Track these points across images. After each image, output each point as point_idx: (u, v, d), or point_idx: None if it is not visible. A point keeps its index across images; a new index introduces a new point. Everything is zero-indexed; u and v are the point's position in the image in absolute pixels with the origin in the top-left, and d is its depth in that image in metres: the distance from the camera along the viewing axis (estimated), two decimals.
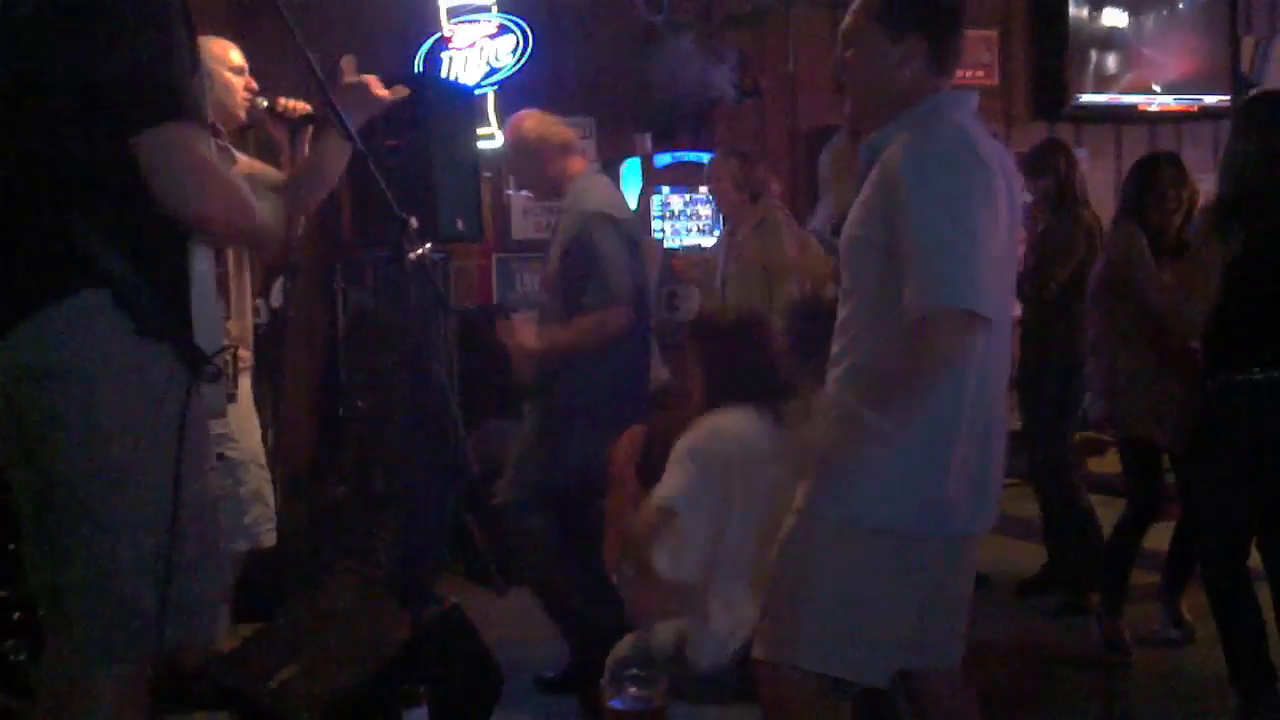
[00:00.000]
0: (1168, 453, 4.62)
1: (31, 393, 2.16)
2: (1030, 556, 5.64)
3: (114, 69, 2.07)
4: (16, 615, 3.75)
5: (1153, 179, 4.56)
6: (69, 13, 2.09)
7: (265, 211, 2.40)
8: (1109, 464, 7.24)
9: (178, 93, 2.11)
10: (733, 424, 3.19)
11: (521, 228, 7.20)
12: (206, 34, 3.68)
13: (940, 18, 2.53)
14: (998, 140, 2.69)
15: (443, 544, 5.25)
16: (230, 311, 3.60)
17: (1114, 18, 8.34)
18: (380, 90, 3.23)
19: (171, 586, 2.16)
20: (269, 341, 5.03)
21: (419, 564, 3.24)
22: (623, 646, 3.33)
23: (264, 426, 3.93)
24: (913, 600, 2.49)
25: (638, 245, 4.19)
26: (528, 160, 4.27)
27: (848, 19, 2.61)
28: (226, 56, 3.72)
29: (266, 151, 3.81)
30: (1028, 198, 5.08)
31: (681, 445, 3.20)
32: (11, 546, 3.77)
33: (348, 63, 3.36)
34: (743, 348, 3.31)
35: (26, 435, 2.20)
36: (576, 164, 4.23)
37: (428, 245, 3.03)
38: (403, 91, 3.30)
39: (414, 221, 2.99)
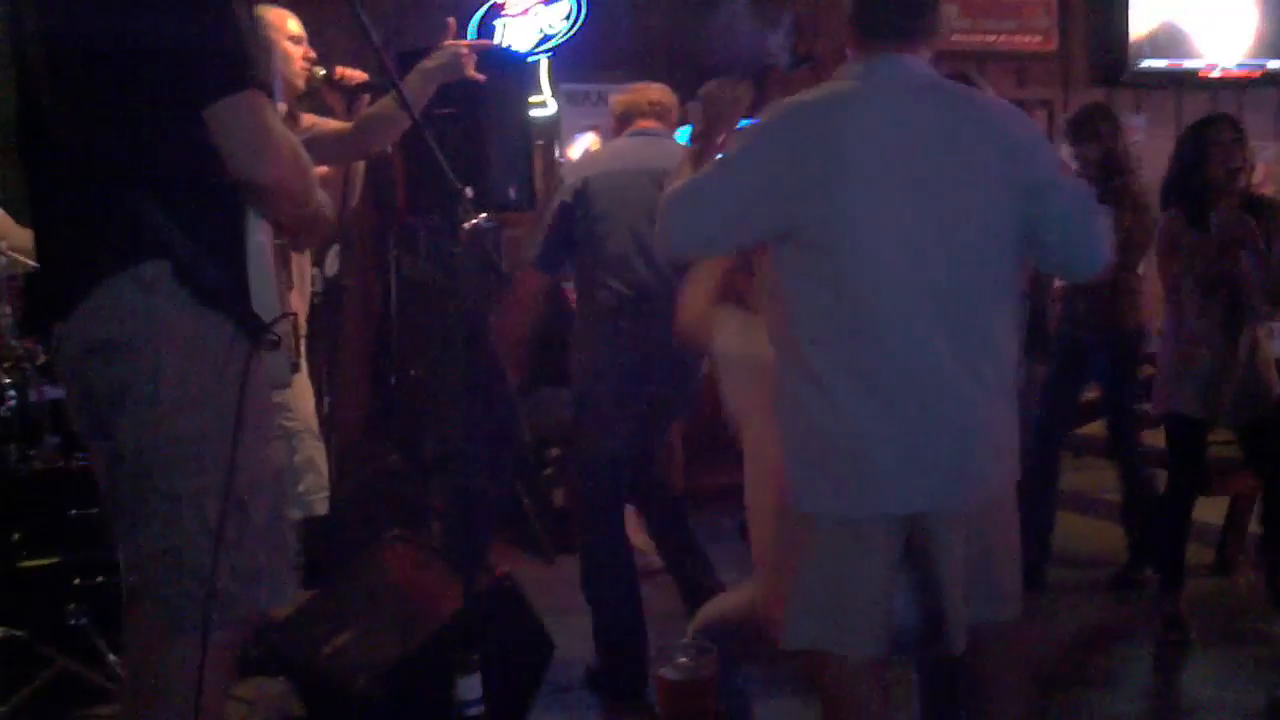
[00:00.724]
0: (1226, 427, 4.56)
1: (99, 366, 2.18)
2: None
3: (179, 40, 2.07)
4: (76, 581, 3.80)
5: (1213, 137, 4.45)
6: None
7: (322, 199, 2.43)
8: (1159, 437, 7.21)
9: (245, 62, 2.12)
10: None
11: None
12: (264, 2, 3.69)
13: None
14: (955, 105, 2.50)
15: (495, 512, 5.27)
16: (292, 281, 3.62)
17: None
18: (470, 68, 3.34)
19: (240, 554, 2.19)
20: (324, 310, 5.05)
21: (472, 532, 3.25)
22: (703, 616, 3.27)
23: (319, 395, 3.95)
24: (870, 580, 2.44)
25: (617, 204, 4.01)
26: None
27: None
28: (284, 25, 3.72)
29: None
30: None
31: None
32: (73, 512, 3.84)
33: (452, 23, 3.47)
34: None
35: (97, 408, 2.22)
36: (632, 129, 4.19)
37: (482, 214, 3.02)
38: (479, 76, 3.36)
39: (469, 191, 2.99)
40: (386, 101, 3.43)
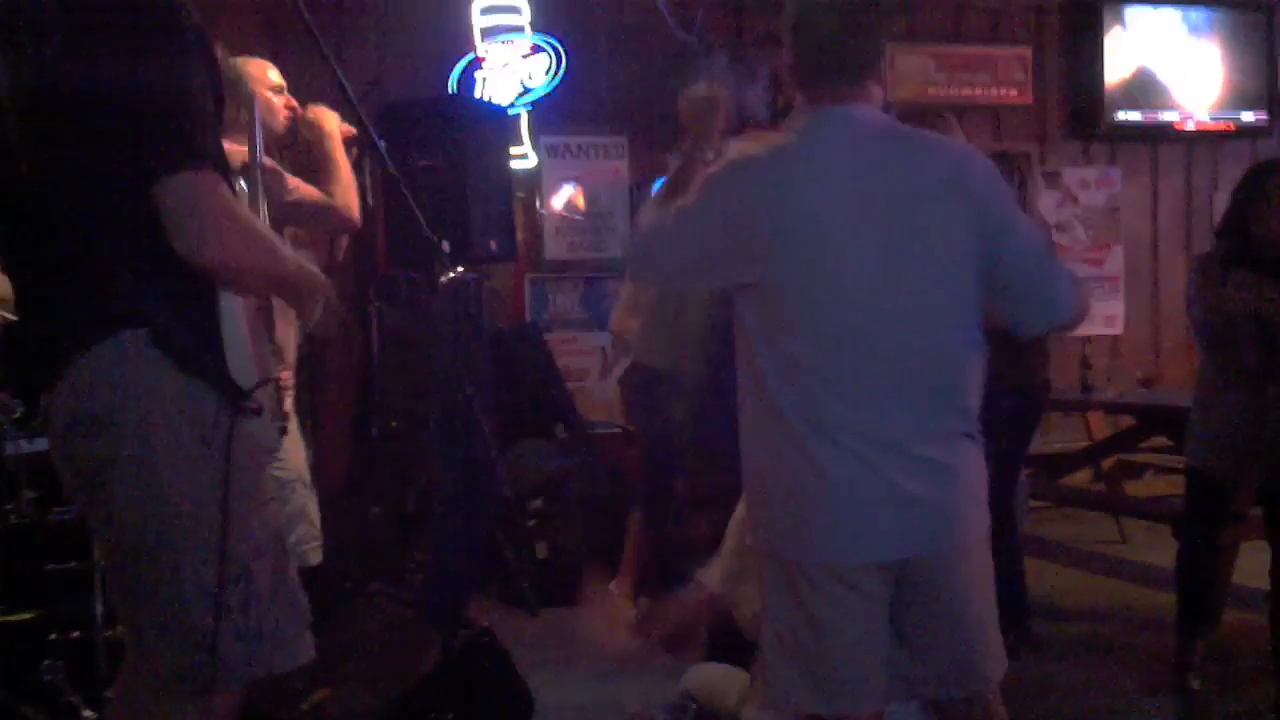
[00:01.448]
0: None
1: (85, 440, 2.16)
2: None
3: (132, 114, 2.06)
4: (52, 636, 3.76)
5: (1262, 187, 4.25)
6: (88, 57, 2.07)
7: (301, 261, 2.42)
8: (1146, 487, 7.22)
9: (191, 140, 2.10)
10: None
11: (555, 248, 7.21)
12: (243, 54, 3.73)
13: (801, 33, 2.54)
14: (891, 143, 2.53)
15: (475, 567, 5.26)
16: (276, 339, 3.63)
17: (1149, 35, 8.26)
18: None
19: (245, 618, 2.17)
20: (306, 362, 5.05)
21: (450, 587, 3.25)
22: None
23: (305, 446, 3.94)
24: (856, 631, 2.44)
25: None
26: None
27: None
28: (265, 76, 3.75)
29: (304, 171, 3.83)
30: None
31: None
32: (50, 566, 3.81)
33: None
34: None
35: (88, 480, 2.21)
36: None
37: (459, 268, 3.04)
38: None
39: (445, 245, 3.01)
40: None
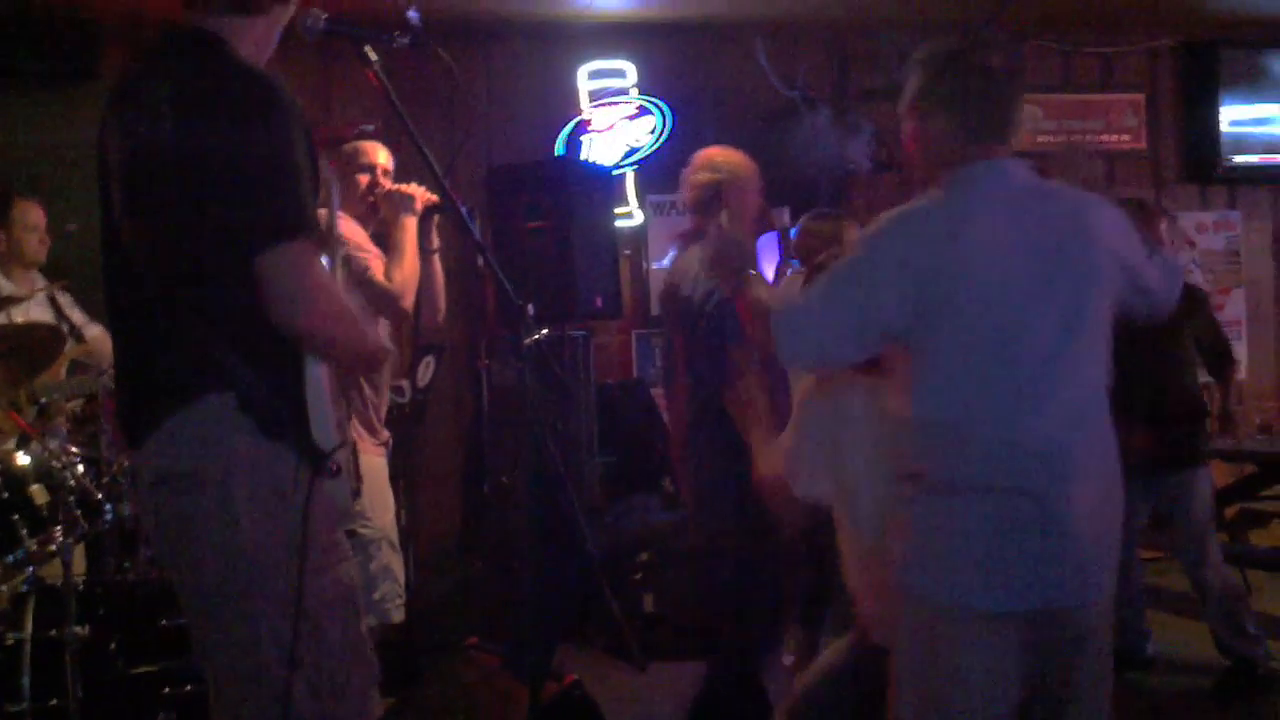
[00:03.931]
0: None
1: (169, 496, 2.29)
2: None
3: (233, 189, 2.18)
4: (167, 690, 3.90)
5: None
6: (199, 133, 2.19)
7: (382, 334, 2.53)
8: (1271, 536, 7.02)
9: (296, 214, 2.22)
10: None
11: None
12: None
13: (969, 96, 2.56)
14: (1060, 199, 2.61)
15: (560, 622, 5.30)
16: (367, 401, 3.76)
17: (1268, 77, 8.10)
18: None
19: (317, 672, 2.27)
20: (410, 420, 5.17)
21: (536, 641, 3.31)
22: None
23: (398, 505, 4.04)
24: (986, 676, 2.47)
25: None
26: None
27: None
28: (367, 157, 3.92)
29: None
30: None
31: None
32: (164, 622, 3.96)
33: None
34: None
35: (171, 536, 2.34)
36: None
37: (544, 330, 3.11)
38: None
39: (530, 308, 3.09)
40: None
